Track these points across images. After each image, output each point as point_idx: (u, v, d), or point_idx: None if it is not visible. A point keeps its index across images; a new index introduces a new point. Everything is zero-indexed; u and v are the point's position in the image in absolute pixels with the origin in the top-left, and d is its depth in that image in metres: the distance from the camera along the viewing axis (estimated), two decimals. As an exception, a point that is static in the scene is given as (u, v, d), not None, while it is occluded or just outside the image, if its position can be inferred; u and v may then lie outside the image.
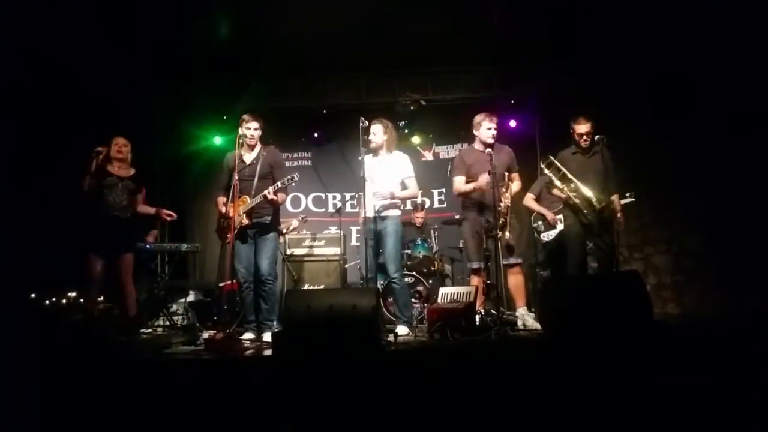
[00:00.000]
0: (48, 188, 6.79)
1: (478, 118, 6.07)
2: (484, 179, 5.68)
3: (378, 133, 5.91)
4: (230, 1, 6.96)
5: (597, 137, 5.75)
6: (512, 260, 5.93)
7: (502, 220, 5.64)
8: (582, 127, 5.93)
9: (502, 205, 5.68)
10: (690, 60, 6.42)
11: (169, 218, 6.54)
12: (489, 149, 5.80)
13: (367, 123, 5.79)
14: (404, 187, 5.94)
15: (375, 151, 5.94)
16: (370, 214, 5.73)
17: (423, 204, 8.90)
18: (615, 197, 5.91)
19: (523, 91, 8.73)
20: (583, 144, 5.96)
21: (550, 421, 3.68)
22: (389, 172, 5.91)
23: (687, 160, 6.59)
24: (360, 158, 5.77)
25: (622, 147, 6.34)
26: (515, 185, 6.05)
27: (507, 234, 5.71)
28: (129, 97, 7.75)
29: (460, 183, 6.08)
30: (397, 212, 5.91)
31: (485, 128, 6.00)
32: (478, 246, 5.96)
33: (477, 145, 6.14)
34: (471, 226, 6.04)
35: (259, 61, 7.91)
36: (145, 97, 8.03)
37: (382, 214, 5.81)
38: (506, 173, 5.97)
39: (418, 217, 8.38)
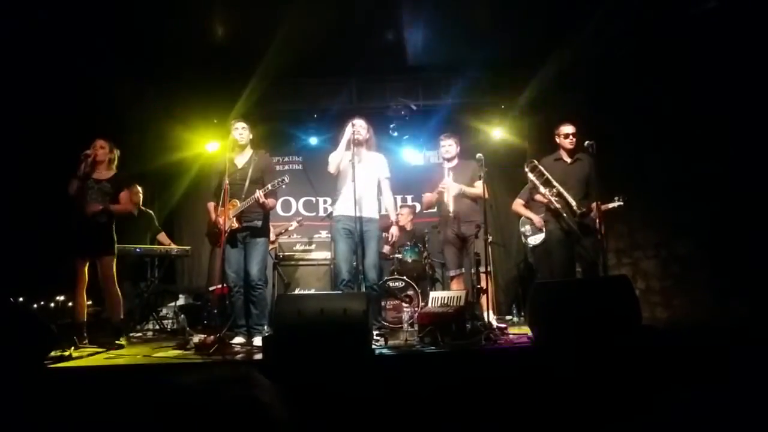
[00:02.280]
0: (36, 191, 6.76)
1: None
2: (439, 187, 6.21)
3: (362, 127, 5.90)
4: (221, 4, 6.96)
5: (586, 143, 5.83)
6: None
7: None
8: (567, 128, 6.16)
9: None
10: (681, 65, 6.47)
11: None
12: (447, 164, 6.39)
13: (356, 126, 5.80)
14: (380, 187, 6.02)
15: (357, 147, 5.79)
16: (351, 213, 5.67)
17: (414, 208, 8.94)
18: (594, 204, 5.99)
19: (513, 96, 8.76)
20: (568, 145, 6.14)
21: (540, 424, 3.70)
22: (369, 170, 5.89)
23: (676, 165, 6.63)
24: (349, 160, 5.68)
25: (611, 152, 6.40)
26: (475, 189, 6.27)
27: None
28: (119, 99, 7.73)
29: (426, 198, 6.60)
30: (378, 214, 6.04)
31: (441, 146, 6.54)
32: (453, 254, 6.24)
33: (444, 163, 6.56)
34: (446, 236, 6.29)
35: (250, 66, 7.91)
36: (136, 100, 8.01)
37: (366, 216, 5.76)
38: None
39: (403, 215, 8.41)
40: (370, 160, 5.94)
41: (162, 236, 7.98)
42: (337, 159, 5.80)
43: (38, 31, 6.43)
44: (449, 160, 6.45)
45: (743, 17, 5.64)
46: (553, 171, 6.12)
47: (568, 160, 6.17)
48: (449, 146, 6.40)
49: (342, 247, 5.72)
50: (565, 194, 5.93)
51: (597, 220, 5.94)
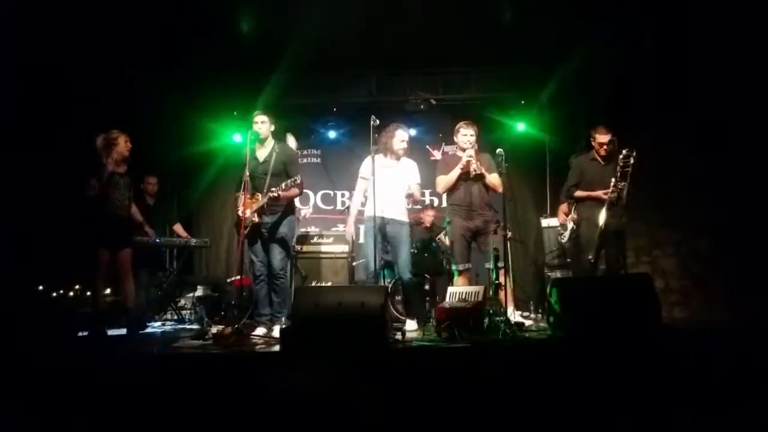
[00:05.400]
0: (56, 183, 6.83)
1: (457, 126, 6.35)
2: (464, 156, 6.00)
3: (406, 140, 6.15)
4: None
5: (625, 152, 5.85)
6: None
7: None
8: (603, 137, 6.21)
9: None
10: (701, 63, 6.42)
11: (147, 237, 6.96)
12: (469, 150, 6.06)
13: (378, 122, 5.83)
14: (410, 190, 6.17)
15: (395, 155, 6.13)
16: (379, 214, 5.81)
17: (432, 202, 8.94)
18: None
19: (533, 91, 8.72)
20: (603, 152, 6.23)
21: (556, 421, 3.69)
22: (400, 176, 6.12)
23: (696, 163, 6.58)
24: (371, 155, 5.82)
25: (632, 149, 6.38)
26: (494, 178, 6.13)
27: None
28: (140, 92, 7.77)
29: (442, 179, 6.24)
30: (407, 218, 6.21)
31: (461, 134, 6.24)
32: (463, 247, 6.13)
33: (459, 152, 6.30)
34: (456, 228, 6.15)
35: (271, 59, 7.93)
36: (156, 92, 8.05)
37: (397, 218, 6.01)
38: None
39: (429, 215, 8.39)
40: (401, 165, 6.19)
41: (177, 227, 8.04)
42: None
43: (60, 26, 6.48)
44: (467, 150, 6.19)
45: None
46: (587, 170, 6.31)
47: (603, 162, 6.25)
48: (470, 136, 6.18)
49: (371, 244, 5.85)
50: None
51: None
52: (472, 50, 8.21)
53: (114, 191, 5.97)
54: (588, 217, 6.22)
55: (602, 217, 5.98)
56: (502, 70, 8.73)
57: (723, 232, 6.31)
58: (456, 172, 6.07)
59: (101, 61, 7.13)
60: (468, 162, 5.96)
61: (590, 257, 6.11)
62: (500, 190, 6.14)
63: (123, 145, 6.06)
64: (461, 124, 6.29)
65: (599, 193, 6.12)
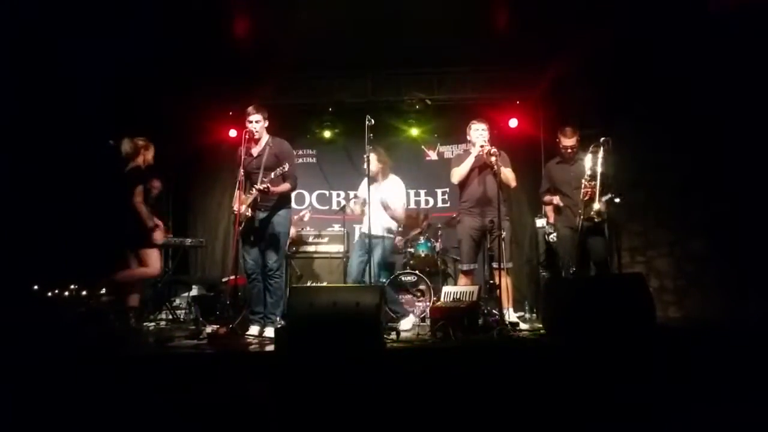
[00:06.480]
0: (53, 182, 6.83)
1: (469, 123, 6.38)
2: (477, 148, 6.05)
3: (373, 161, 6.31)
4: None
5: (602, 140, 5.83)
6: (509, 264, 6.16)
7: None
8: (567, 141, 6.23)
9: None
10: (695, 64, 6.44)
11: None
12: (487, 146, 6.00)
13: (373, 121, 5.88)
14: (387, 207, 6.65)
15: (373, 177, 6.41)
16: (367, 230, 6.36)
17: (427, 202, 8.94)
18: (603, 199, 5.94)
19: (528, 91, 8.73)
20: (567, 155, 6.26)
21: (550, 421, 3.70)
22: (380, 195, 6.59)
23: (690, 163, 6.60)
24: (365, 155, 5.88)
25: (626, 150, 6.39)
26: (508, 172, 6.21)
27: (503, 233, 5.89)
28: (135, 92, 7.76)
29: (456, 170, 6.33)
30: (385, 233, 6.71)
31: (473, 130, 6.25)
32: (471, 248, 6.16)
33: (471, 148, 6.29)
34: (466, 228, 6.18)
35: (266, 59, 7.92)
36: (151, 93, 8.03)
37: (377, 234, 6.49)
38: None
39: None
40: (384, 187, 6.72)
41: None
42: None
43: (57, 26, 6.48)
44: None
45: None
46: (555, 174, 6.38)
47: (570, 163, 6.28)
48: (483, 130, 6.17)
49: (357, 254, 6.66)
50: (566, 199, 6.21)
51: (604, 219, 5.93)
52: (467, 50, 8.21)
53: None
54: (561, 221, 6.34)
55: (573, 220, 6.04)
56: (498, 70, 8.73)
57: (717, 232, 6.33)
58: (470, 161, 6.13)
59: (100, 62, 7.12)
60: (482, 147, 5.98)
61: (570, 267, 6.14)
62: (513, 184, 6.21)
63: (152, 153, 6.29)
64: (473, 121, 6.34)
65: (555, 198, 6.30)
